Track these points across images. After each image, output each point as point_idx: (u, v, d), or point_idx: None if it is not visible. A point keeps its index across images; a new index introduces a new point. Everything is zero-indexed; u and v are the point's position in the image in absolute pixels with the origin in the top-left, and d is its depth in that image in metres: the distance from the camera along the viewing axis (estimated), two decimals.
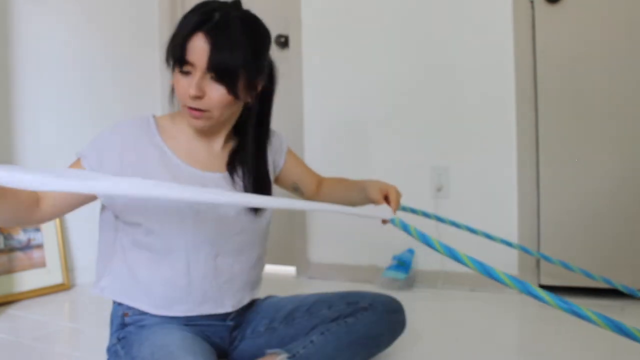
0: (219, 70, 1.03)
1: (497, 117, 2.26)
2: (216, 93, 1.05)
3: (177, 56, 1.04)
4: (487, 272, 0.87)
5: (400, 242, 2.37)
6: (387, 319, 1.27)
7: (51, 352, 1.61)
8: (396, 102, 2.44)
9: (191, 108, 1.06)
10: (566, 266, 1.49)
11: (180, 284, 1.11)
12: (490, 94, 2.27)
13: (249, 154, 1.18)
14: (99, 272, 1.18)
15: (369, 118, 2.50)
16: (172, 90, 1.12)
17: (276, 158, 1.31)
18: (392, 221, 1.08)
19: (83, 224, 2.50)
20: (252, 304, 1.29)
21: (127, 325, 1.13)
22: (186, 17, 1.05)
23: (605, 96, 2.09)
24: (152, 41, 2.93)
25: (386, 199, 1.20)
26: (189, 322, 1.14)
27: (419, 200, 2.38)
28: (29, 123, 2.33)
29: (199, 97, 1.04)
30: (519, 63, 2.20)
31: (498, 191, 2.26)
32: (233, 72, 1.03)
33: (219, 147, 1.18)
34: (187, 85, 1.04)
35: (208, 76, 1.04)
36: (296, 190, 1.38)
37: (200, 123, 1.09)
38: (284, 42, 2.68)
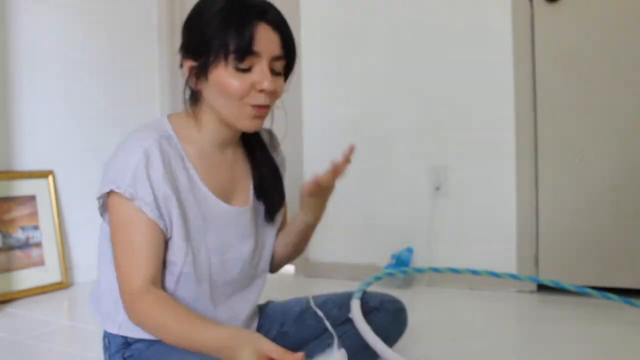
0: (290, 59, 1.01)
1: (496, 116, 2.26)
2: (280, 84, 1.00)
3: (241, 48, 0.94)
4: None
5: (400, 241, 2.38)
6: (397, 318, 1.27)
7: (50, 350, 1.61)
8: (395, 101, 2.44)
9: (259, 106, 0.99)
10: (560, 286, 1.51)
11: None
12: (489, 92, 2.27)
13: (266, 160, 1.14)
14: (108, 306, 1.04)
15: (368, 117, 2.50)
16: (193, 96, 1.03)
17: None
18: None
19: (81, 223, 2.50)
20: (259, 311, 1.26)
21: (131, 343, 1.03)
22: (234, 10, 0.96)
23: (604, 95, 2.09)
24: (152, 40, 2.92)
25: None
26: None
27: (418, 199, 2.38)
28: (27, 123, 2.32)
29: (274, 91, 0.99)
30: (518, 62, 2.20)
31: (497, 190, 2.26)
32: (294, 61, 1.02)
33: (230, 155, 1.10)
34: (257, 79, 0.96)
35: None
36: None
37: (261, 123, 1.02)
38: None
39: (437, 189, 2.35)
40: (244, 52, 0.95)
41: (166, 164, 0.96)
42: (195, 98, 1.04)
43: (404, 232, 2.40)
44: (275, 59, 0.98)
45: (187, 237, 0.99)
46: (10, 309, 2.06)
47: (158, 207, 0.95)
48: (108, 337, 1.07)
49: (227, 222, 1.06)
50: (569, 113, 2.14)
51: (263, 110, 1.00)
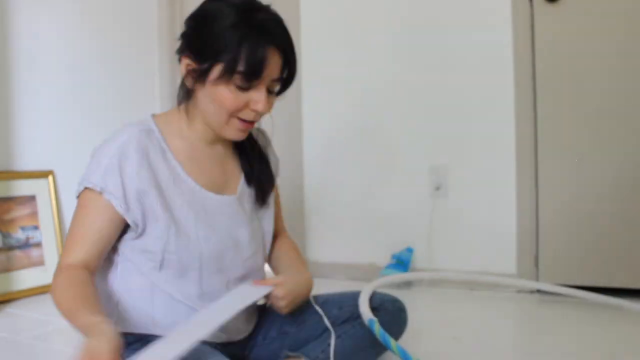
0: (287, 85, 1.04)
1: (496, 115, 2.26)
2: (272, 103, 1.05)
3: (250, 72, 0.97)
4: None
5: (399, 241, 2.38)
6: (398, 318, 1.27)
7: (50, 350, 1.61)
8: (395, 101, 2.44)
9: (247, 121, 1.03)
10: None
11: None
12: (489, 92, 2.27)
13: (254, 150, 1.17)
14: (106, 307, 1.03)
15: (368, 117, 2.50)
16: (187, 92, 1.05)
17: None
18: (370, 325, 1.11)
19: None
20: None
21: (130, 343, 1.03)
22: (249, 29, 0.96)
23: (604, 95, 2.09)
24: (152, 41, 2.92)
25: None
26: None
27: (418, 199, 2.38)
28: (27, 123, 2.32)
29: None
30: (518, 62, 2.20)
31: (497, 190, 2.26)
32: (293, 81, 1.05)
33: (220, 149, 1.13)
34: (254, 99, 1.00)
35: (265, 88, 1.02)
36: None
37: (245, 135, 1.06)
38: None
39: (437, 189, 2.35)
40: (251, 77, 0.97)
41: (143, 157, 1.00)
42: (188, 95, 1.07)
43: (404, 232, 2.41)
44: (275, 80, 1.01)
45: (168, 226, 1.01)
46: (10, 309, 2.06)
47: (127, 202, 0.98)
48: None
49: (218, 210, 1.08)
50: (569, 113, 2.14)
51: (249, 125, 1.05)
